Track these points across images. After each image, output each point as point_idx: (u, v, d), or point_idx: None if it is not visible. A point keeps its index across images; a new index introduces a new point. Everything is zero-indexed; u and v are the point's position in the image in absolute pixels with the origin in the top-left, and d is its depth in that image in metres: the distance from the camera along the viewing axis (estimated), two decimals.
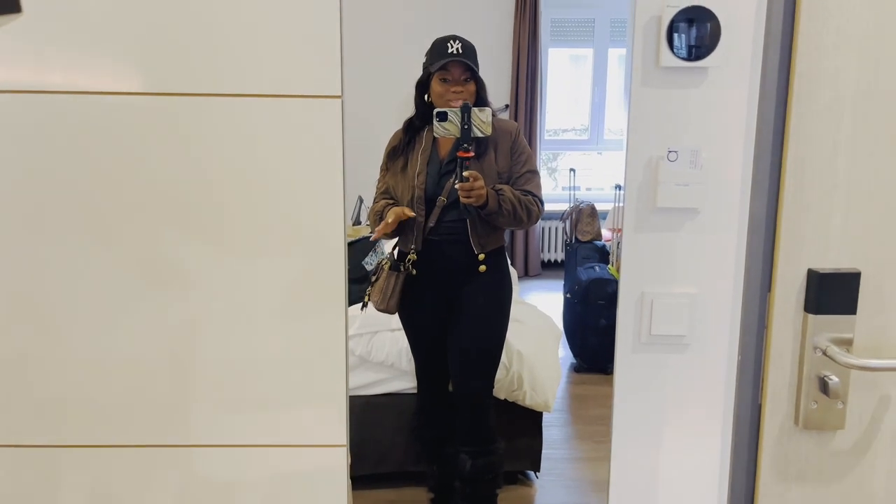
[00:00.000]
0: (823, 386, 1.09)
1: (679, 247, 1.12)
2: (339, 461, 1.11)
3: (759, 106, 1.07)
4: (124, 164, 1.04)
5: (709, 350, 1.14)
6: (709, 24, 1.05)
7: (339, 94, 1.03)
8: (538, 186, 2.20)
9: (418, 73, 2.21)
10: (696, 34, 1.06)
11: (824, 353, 1.08)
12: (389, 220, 2.12)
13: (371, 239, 2.38)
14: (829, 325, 1.08)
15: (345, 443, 1.11)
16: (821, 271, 1.07)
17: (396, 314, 2.31)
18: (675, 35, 1.06)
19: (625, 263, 1.13)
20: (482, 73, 2.18)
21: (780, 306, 1.09)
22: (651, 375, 1.16)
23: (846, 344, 1.08)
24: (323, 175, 1.06)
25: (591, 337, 3.70)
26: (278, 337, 1.09)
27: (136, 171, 1.04)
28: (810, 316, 1.08)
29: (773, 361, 1.10)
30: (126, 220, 1.05)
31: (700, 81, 1.07)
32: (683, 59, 1.06)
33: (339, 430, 1.11)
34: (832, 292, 1.07)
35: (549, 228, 5.82)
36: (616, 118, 5.88)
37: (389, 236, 2.25)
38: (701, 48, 1.06)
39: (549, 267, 5.84)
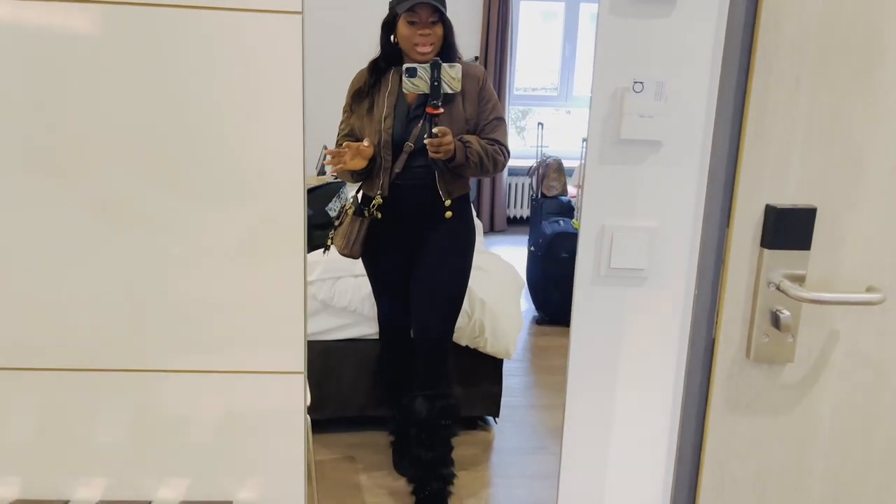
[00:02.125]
0: (775, 320, 1.11)
1: (641, 180, 1.12)
2: (296, 387, 1.10)
3: (726, 38, 1.06)
4: (75, 95, 0.99)
5: (667, 284, 1.15)
6: None
7: (300, 9, 0.99)
8: (504, 134, 2.19)
9: (384, 12, 2.15)
10: None
11: (778, 287, 1.10)
12: (346, 157, 2.08)
13: (329, 170, 2.34)
14: (783, 261, 1.10)
15: (302, 370, 1.10)
16: (778, 207, 1.08)
17: (360, 259, 2.30)
18: None
19: (587, 195, 1.12)
20: (452, 22, 2.13)
21: (738, 241, 1.11)
22: (609, 308, 1.17)
23: (799, 279, 1.10)
24: (282, 99, 1.02)
25: (554, 290, 3.73)
26: (237, 278, 1.07)
27: (88, 102, 1.00)
28: (766, 251, 1.09)
29: (729, 295, 1.12)
30: (79, 157, 1.01)
31: (668, 11, 1.06)
32: None
33: (296, 357, 1.10)
34: (788, 228, 1.08)
35: (516, 185, 5.82)
36: (586, 75, 5.85)
37: (352, 178, 2.22)
38: None
39: (514, 223, 5.86)
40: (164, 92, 1.00)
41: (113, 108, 1.01)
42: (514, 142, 5.98)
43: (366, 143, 2.11)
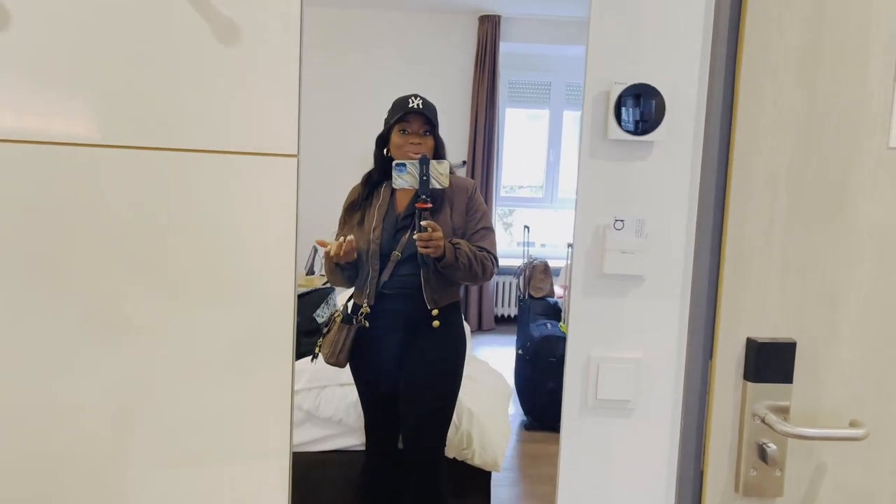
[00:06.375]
0: (762, 453, 1.11)
1: (625, 312, 1.14)
2: None
3: (701, 180, 1.12)
4: (76, 213, 1.03)
5: (653, 415, 1.16)
6: (654, 101, 1.10)
7: (296, 152, 1.04)
8: (493, 244, 2.23)
9: (378, 129, 2.24)
10: (643, 110, 1.11)
11: (763, 420, 1.10)
12: (344, 249, 2.11)
13: (324, 252, 2.35)
14: (767, 393, 1.11)
15: None
16: (759, 340, 1.10)
17: (346, 368, 2.28)
18: (623, 109, 1.11)
19: (572, 327, 1.14)
20: (441, 129, 2.23)
21: (721, 374, 1.12)
22: (597, 439, 1.17)
23: (783, 412, 1.11)
24: (276, 231, 1.06)
25: (542, 395, 3.70)
26: (223, 390, 1.07)
27: (89, 220, 1.03)
28: (749, 384, 1.11)
29: (715, 428, 1.13)
30: (71, 269, 1.03)
31: (646, 154, 1.12)
32: (630, 132, 1.11)
33: (280, 495, 1.08)
34: (770, 361, 1.10)
35: (504, 284, 5.87)
36: (570, 178, 6.03)
37: (344, 282, 2.25)
38: (647, 123, 1.11)
39: (502, 322, 5.86)
40: (167, 214, 1.04)
41: (115, 225, 1.04)
42: (501, 238, 6.07)
43: (345, 239, 2.14)
